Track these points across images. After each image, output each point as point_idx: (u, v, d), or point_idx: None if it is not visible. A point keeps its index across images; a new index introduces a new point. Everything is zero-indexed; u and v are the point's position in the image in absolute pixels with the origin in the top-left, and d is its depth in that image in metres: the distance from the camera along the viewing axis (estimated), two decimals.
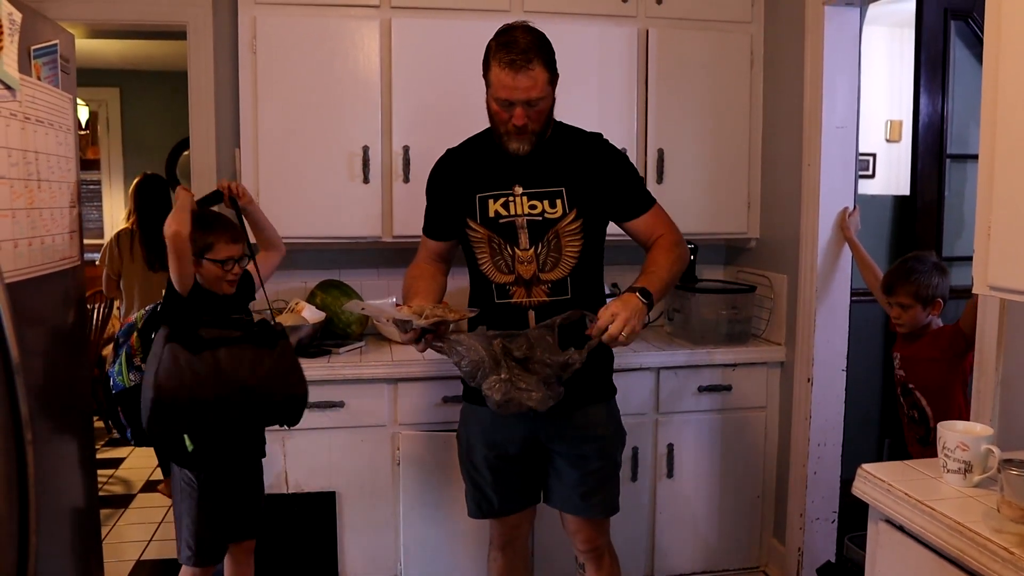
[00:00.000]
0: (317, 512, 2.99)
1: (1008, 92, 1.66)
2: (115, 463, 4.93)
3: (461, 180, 2.32)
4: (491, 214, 2.25)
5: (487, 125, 2.26)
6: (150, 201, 4.31)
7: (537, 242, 2.24)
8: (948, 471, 1.74)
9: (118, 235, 4.34)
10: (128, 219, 4.39)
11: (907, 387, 2.85)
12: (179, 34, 3.36)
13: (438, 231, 2.42)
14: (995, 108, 1.68)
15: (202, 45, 3.29)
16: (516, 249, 2.24)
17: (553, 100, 2.23)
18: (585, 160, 2.32)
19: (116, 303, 4.64)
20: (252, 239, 2.59)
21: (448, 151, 2.42)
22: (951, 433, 1.75)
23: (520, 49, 2.12)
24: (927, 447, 2.74)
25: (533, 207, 2.24)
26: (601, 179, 2.31)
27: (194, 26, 3.28)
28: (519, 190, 2.26)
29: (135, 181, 4.44)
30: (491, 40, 2.20)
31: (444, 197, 2.37)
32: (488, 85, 2.20)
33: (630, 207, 2.35)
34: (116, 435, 4.99)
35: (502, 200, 2.26)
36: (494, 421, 2.30)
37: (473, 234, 2.28)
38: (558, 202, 2.25)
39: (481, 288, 2.32)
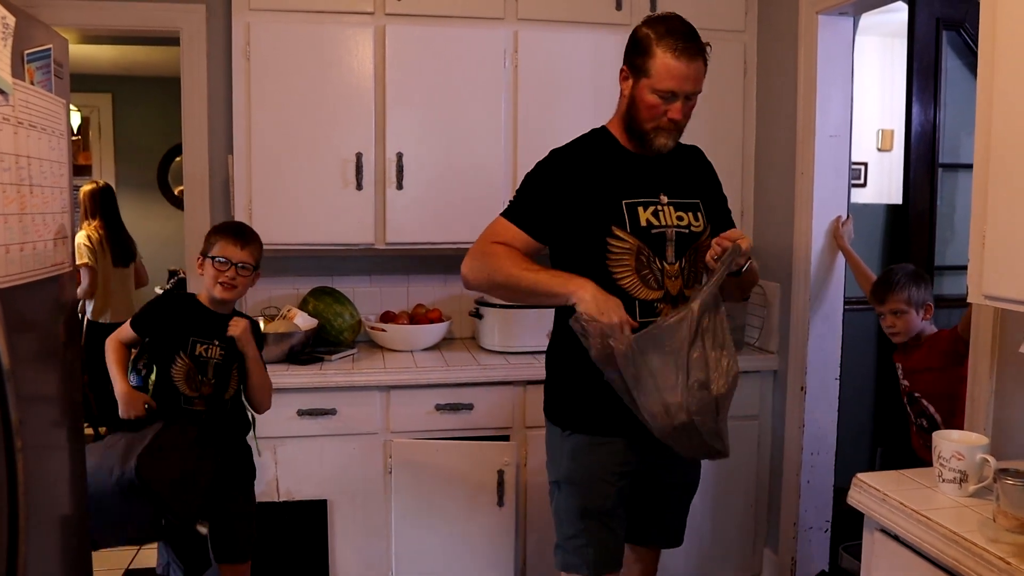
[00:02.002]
0: (309, 520, 2.97)
1: (1003, 102, 1.66)
2: None
3: (597, 183, 2.07)
4: (643, 223, 2.05)
5: (480, 132, 2.25)
6: (112, 205, 4.90)
7: (681, 256, 2.08)
8: (944, 480, 1.74)
9: (88, 236, 4.73)
10: (90, 222, 4.81)
11: (913, 396, 2.84)
12: (172, 40, 3.36)
13: (544, 231, 2.09)
14: (990, 118, 1.69)
15: (195, 51, 3.28)
16: (664, 263, 2.06)
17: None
18: (702, 172, 2.25)
19: (81, 305, 4.76)
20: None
21: (559, 151, 2.15)
22: (946, 443, 1.75)
23: (690, 35, 2.00)
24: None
25: (680, 219, 2.10)
26: (715, 194, 2.24)
27: (188, 32, 3.27)
28: (665, 199, 2.10)
29: (90, 189, 4.87)
30: (644, 28, 2.04)
31: (570, 200, 2.06)
32: (644, 74, 2.01)
33: (727, 227, 2.20)
34: None
35: (652, 209, 2.07)
36: (631, 447, 2.09)
37: (618, 245, 2.04)
38: (700, 215, 2.14)
39: None
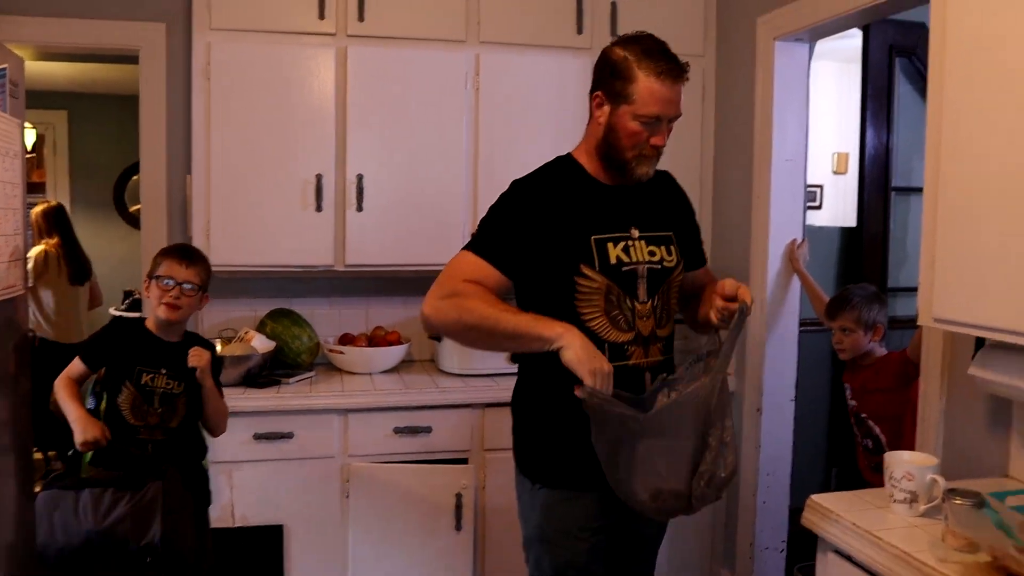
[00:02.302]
0: (264, 546, 2.92)
1: (951, 128, 1.71)
2: None
3: (564, 218, 1.92)
4: (613, 260, 1.91)
5: (441, 155, 2.21)
6: (67, 224, 4.93)
7: (654, 294, 1.94)
8: (895, 500, 1.77)
9: (44, 253, 4.74)
10: (47, 241, 4.81)
11: (860, 416, 2.89)
12: (131, 58, 3.32)
13: (514, 266, 1.91)
14: (939, 143, 1.73)
15: (155, 70, 3.25)
16: (635, 302, 1.91)
17: None
18: (675, 201, 2.12)
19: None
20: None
21: (522, 183, 1.98)
22: (897, 463, 1.78)
23: (671, 55, 1.88)
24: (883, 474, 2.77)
25: (652, 253, 1.95)
26: (688, 224, 2.13)
27: (147, 51, 3.24)
28: (636, 233, 1.95)
29: (43, 209, 4.87)
30: (619, 50, 1.90)
31: (536, 235, 1.90)
32: (624, 100, 1.86)
33: (698, 258, 2.17)
34: (54, 468, 4.87)
35: (622, 244, 1.92)
36: (605, 501, 1.91)
37: (586, 284, 1.89)
38: (673, 249, 2.00)
39: None
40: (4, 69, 1.59)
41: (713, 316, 1.86)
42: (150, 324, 2.43)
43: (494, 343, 1.97)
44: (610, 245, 1.91)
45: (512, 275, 1.91)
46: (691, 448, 1.76)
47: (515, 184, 1.98)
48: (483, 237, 1.93)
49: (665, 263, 1.96)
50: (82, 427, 2.25)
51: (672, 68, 1.85)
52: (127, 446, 2.33)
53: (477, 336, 1.88)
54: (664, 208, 2.06)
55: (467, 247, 1.94)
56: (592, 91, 1.96)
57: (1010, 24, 1.57)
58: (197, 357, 2.39)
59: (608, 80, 1.89)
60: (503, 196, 1.98)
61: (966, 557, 1.48)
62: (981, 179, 1.63)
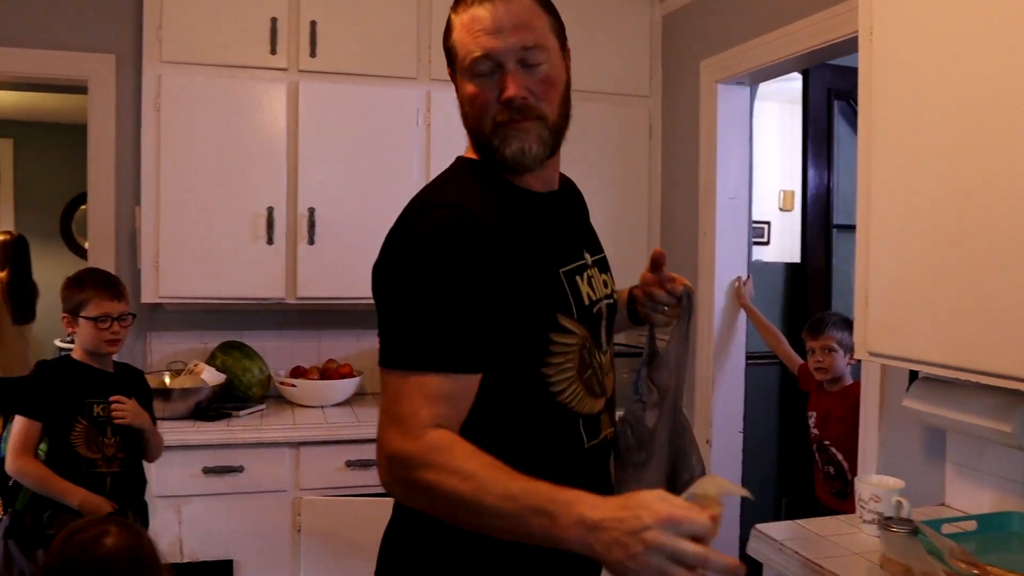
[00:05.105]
0: None
1: (880, 168, 1.78)
2: None
3: (525, 249, 1.31)
4: (585, 300, 1.38)
5: (392, 189, 2.07)
6: (22, 259, 4.75)
7: (610, 337, 1.48)
8: (864, 521, 1.85)
9: None
10: None
11: (823, 444, 2.95)
12: (80, 88, 3.31)
13: (484, 354, 1.25)
14: (869, 182, 1.81)
15: (104, 101, 3.24)
16: (600, 354, 1.41)
17: (567, 75, 1.38)
18: (585, 212, 1.62)
19: None
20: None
21: (451, 214, 1.28)
22: (865, 486, 1.86)
23: None
24: (845, 500, 2.84)
25: (605, 284, 1.48)
26: None
27: (96, 81, 3.23)
28: (588, 258, 1.45)
29: (2, 240, 4.77)
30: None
31: (501, 286, 1.26)
32: (454, 58, 1.36)
33: None
34: None
35: (586, 276, 1.41)
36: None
37: (563, 341, 1.31)
38: (610, 274, 1.54)
39: (552, 434, 1.32)
40: None
41: (653, 309, 1.54)
42: (79, 356, 2.40)
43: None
44: (579, 280, 1.38)
45: (483, 367, 1.25)
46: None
47: (440, 219, 1.27)
48: (433, 335, 1.21)
49: (616, 295, 1.53)
50: (96, 507, 2.19)
51: None
52: (86, 484, 2.27)
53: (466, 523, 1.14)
54: (587, 218, 1.60)
55: (405, 362, 1.21)
56: None
57: (932, 68, 1.65)
58: (121, 412, 2.32)
59: (445, 53, 1.39)
60: (431, 247, 1.24)
61: None
62: (909, 217, 1.70)
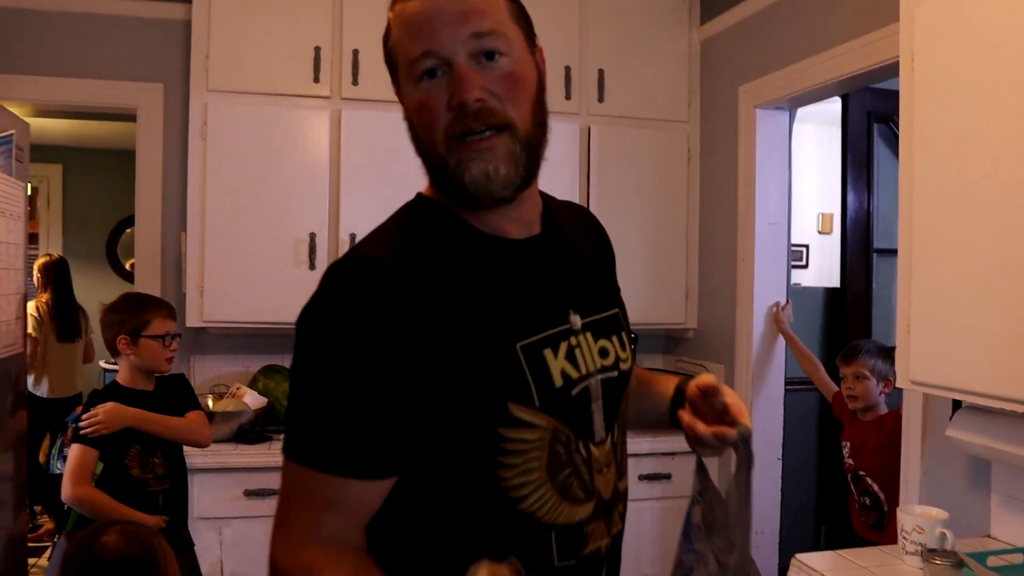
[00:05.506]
0: None
1: (923, 194, 1.77)
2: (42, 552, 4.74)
3: (467, 319, 1.02)
4: (557, 381, 1.06)
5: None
6: (63, 280, 4.89)
7: (612, 422, 1.14)
8: (907, 553, 1.83)
9: (37, 307, 4.71)
10: (40, 295, 4.82)
11: (857, 474, 2.91)
12: (128, 116, 3.39)
13: (396, 456, 1.01)
14: (911, 210, 1.80)
15: (152, 129, 3.32)
16: (592, 446, 1.09)
17: (537, 75, 1.10)
18: (605, 250, 1.33)
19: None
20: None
21: (376, 268, 1.01)
22: (908, 516, 1.84)
23: None
24: (882, 531, 2.80)
25: (604, 352, 1.14)
26: (615, 282, 1.31)
27: (145, 110, 3.32)
28: (577, 321, 1.11)
29: (43, 262, 4.88)
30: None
31: (424, 370, 0.99)
32: (395, 68, 1.09)
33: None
34: (41, 523, 4.83)
35: (564, 347, 1.08)
36: None
37: (520, 436, 1.02)
38: (624, 337, 1.20)
39: (514, 550, 0.99)
40: (11, 135, 1.65)
41: (696, 444, 1.22)
42: (125, 381, 2.45)
43: None
44: (548, 354, 1.06)
45: (397, 468, 1.01)
46: None
47: (346, 281, 1.01)
48: (324, 429, 0.99)
49: (621, 364, 1.16)
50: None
51: None
52: (140, 504, 2.33)
53: None
54: (597, 263, 1.26)
55: (303, 457, 1.01)
56: None
57: (974, 94, 1.65)
58: (95, 426, 2.30)
59: (387, 63, 1.11)
60: (328, 318, 1.00)
61: None
62: (953, 242, 1.69)
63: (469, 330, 1.01)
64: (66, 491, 2.27)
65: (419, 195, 1.18)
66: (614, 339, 1.16)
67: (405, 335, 0.97)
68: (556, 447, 1.04)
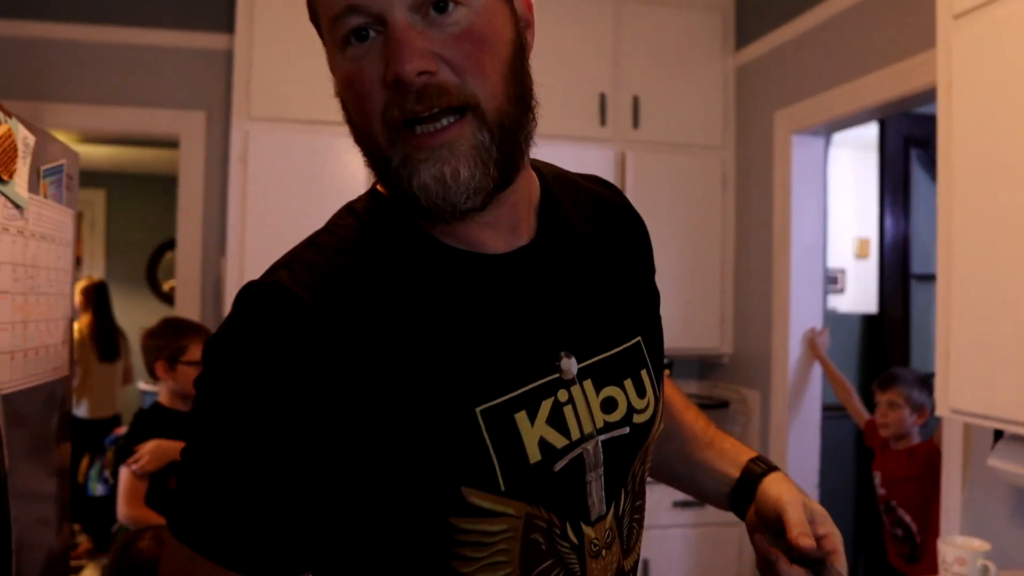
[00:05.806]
0: None
1: (962, 221, 1.76)
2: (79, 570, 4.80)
3: (407, 374, 0.77)
4: (533, 455, 0.80)
5: None
6: (104, 302, 5.04)
7: (618, 491, 0.87)
8: None
9: (78, 328, 4.81)
10: (80, 317, 4.92)
11: (890, 505, 2.88)
12: (171, 143, 3.47)
13: (288, 551, 0.76)
14: (950, 235, 1.79)
15: (194, 156, 3.39)
16: (585, 527, 0.84)
17: (515, 35, 0.81)
18: (635, 250, 1.03)
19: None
20: None
21: (292, 298, 0.77)
22: (950, 548, 1.81)
23: None
24: (916, 564, 2.76)
25: (609, 405, 0.87)
26: (654, 301, 1.08)
27: (187, 137, 3.39)
28: (572, 367, 0.85)
29: (84, 285, 5.01)
30: None
31: (354, 435, 0.75)
32: (323, 33, 0.83)
33: (659, 362, 1.03)
34: (79, 542, 4.89)
35: (549, 404, 0.82)
36: None
37: (478, 528, 0.78)
38: (644, 379, 0.92)
39: None
40: (62, 165, 1.70)
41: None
42: (167, 402, 2.50)
43: None
44: (522, 419, 0.80)
45: (309, 565, 0.83)
46: None
47: (253, 318, 0.79)
48: (218, 512, 0.75)
49: (636, 417, 0.89)
50: None
51: None
52: None
53: None
54: (617, 272, 0.96)
55: (190, 539, 0.75)
56: None
57: (1013, 118, 1.64)
58: (140, 464, 2.33)
59: (312, 21, 0.87)
60: (228, 367, 0.77)
61: None
62: (993, 268, 1.68)
63: (413, 388, 0.76)
64: (121, 512, 2.34)
65: (373, 189, 0.88)
66: (627, 383, 0.89)
67: (325, 396, 0.74)
68: (532, 535, 0.80)
